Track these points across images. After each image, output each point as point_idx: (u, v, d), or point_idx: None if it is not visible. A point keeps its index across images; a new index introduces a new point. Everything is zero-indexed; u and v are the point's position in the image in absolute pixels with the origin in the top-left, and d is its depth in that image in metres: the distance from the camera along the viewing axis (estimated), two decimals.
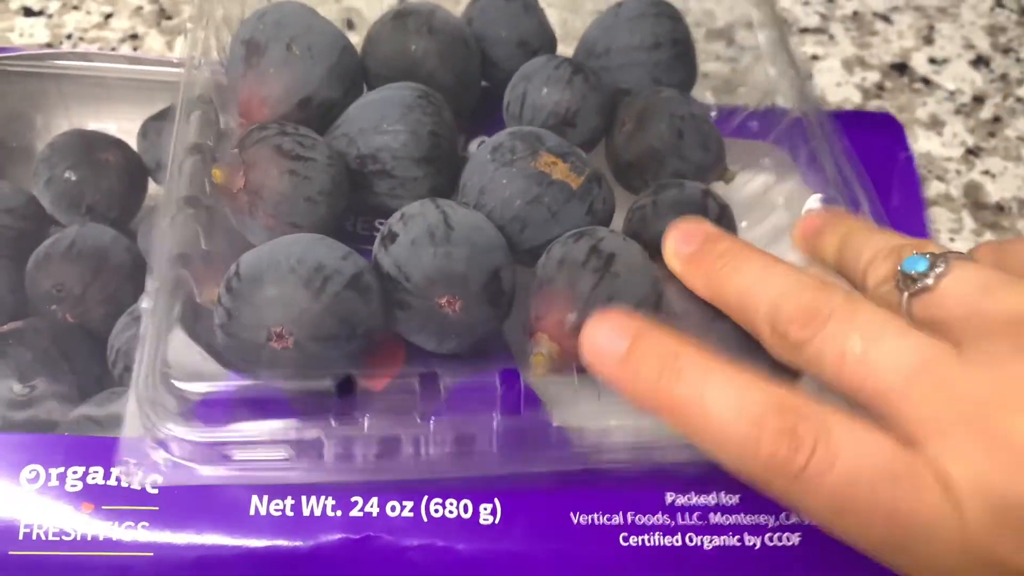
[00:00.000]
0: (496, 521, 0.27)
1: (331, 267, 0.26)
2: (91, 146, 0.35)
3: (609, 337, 0.22)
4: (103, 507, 0.26)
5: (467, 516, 0.27)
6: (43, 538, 0.26)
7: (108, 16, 0.47)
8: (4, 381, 0.29)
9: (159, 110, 0.37)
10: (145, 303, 0.26)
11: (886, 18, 0.53)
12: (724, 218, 0.30)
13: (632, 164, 0.33)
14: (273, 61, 0.30)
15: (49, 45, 0.45)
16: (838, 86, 0.50)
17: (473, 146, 0.36)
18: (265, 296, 0.25)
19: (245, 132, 0.29)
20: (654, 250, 0.28)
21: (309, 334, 0.25)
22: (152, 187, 0.37)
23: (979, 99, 0.48)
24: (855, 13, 0.53)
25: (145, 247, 0.34)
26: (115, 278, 0.32)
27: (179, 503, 0.27)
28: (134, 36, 0.46)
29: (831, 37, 0.52)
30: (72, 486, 0.26)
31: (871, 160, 0.34)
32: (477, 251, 0.27)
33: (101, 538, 0.26)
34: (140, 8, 0.47)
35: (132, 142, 0.37)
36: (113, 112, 0.38)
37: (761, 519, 0.28)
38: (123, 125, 0.37)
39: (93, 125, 0.37)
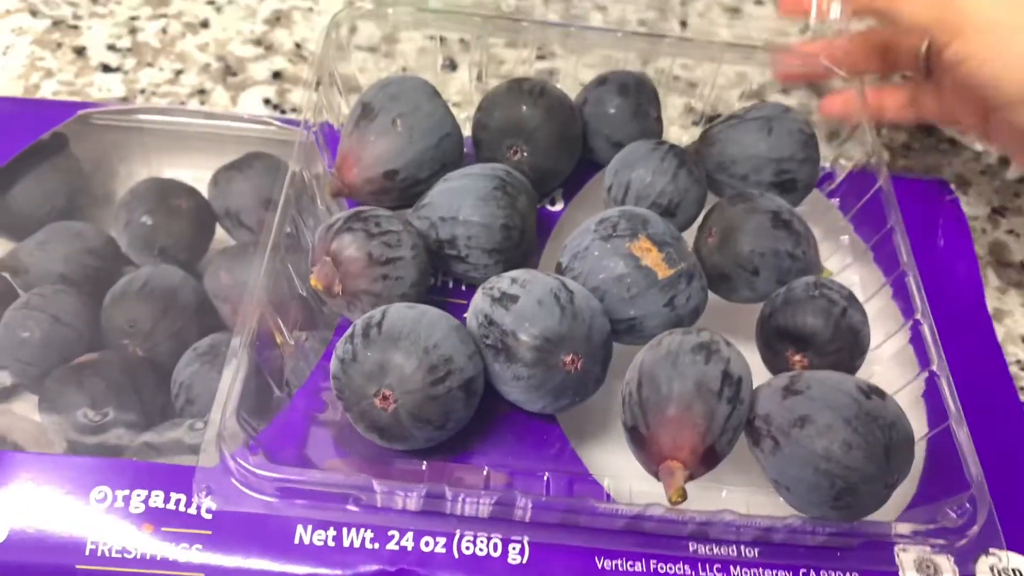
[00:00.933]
0: (524, 561, 0.29)
1: (458, 363, 0.28)
2: (166, 193, 0.38)
3: None
4: (162, 528, 0.28)
5: (496, 555, 0.29)
6: (107, 555, 0.28)
7: (179, 72, 0.51)
8: (78, 408, 0.32)
9: (230, 161, 0.40)
10: (233, 342, 0.29)
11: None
12: (851, 306, 0.32)
13: (708, 275, 0.34)
14: (377, 129, 0.34)
15: (125, 99, 0.49)
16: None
17: (559, 205, 0.39)
18: (393, 360, 0.28)
19: (331, 227, 0.31)
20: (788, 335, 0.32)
21: (411, 410, 0.28)
22: (218, 231, 0.40)
23: (1005, 160, 0.50)
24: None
25: (211, 287, 0.36)
26: (182, 316, 0.35)
27: (231, 528, 0.28)
28: (202, 91, 0.50)
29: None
30: (135, 508, 0.29)
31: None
32: (596, 314, 0.30)
33: (159, 557, 0.28)
34: (208, 65, 0.51)
35: (203, 189, 0.40)
36: (188, 161, 0.41)
37: (780, 574, 0.29)
38: (196, 173, 0.41)
39: (169, 172, 0.40)
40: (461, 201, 0.32)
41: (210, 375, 0.33)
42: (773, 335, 0.32)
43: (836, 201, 0.40)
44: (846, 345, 0.31)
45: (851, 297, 0.32)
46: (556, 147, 0.36)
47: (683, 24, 0.53)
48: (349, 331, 0.29)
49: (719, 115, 0.45)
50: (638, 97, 0.37)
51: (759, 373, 0.31)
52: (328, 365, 0.32)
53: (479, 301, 0.30)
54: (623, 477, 0.31)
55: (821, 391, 0.28)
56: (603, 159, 0.38)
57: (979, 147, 0.50)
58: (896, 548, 0.29)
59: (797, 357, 0.32)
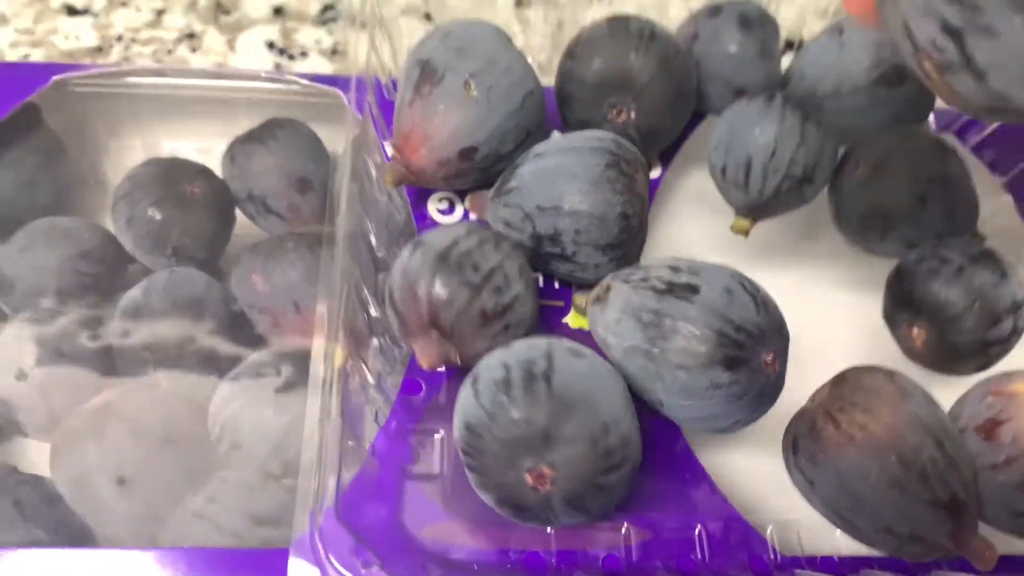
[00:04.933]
0: None
1: (634, 447, 0.22)
2: (174, 177, 0.30)
3: None
4: None
5: None
6: None
7: (160, 13, 0.42)
8: (102, 468, 0.25)
9: (247, 131, 0.32)
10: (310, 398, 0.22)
11: None
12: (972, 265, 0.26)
13: (860, 217, 0.28)
14: (445, 96, 0.26)
15: (99, 49, 0.41)
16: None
17: (655, 171, 0.31)
18: (563, 432, 0.21)
19: (414, 284, 0.24)
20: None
21: (568, 497, 0.21)
22: (240, 218, 0.33)
23: None
24: None
25: (242, 295, 0.30)
26: (212, 335, 0.28)
27: None
28: (191, 36, 0.42)
29: None
30: None
31: None
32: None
33: None
34: (194, 2, 0.43)
35: (213, 163, 0.32)
36: (191, 130, 0.33)
37: None
38: (202, 143, 0.33)
39: (169, 146, 0.33)
40: (565, 185, 0.25)
41: (261, 412, 0.26)
42: (890, 307, 0.27)
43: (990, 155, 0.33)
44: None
45: (979, 256, 0.26)
46: (670, 105, 0.29)
47: None
48: (500, 374, 0.22)
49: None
50: (762, 32, 0.30)
51: None
52: (410, 400, 0.26)
53: (634, 298, 0.23)
54: (786, 522, 0.25)
55: None
56: (717, 108, 0.31)
57: None
58: None
59: (915, 331, 0.27)
